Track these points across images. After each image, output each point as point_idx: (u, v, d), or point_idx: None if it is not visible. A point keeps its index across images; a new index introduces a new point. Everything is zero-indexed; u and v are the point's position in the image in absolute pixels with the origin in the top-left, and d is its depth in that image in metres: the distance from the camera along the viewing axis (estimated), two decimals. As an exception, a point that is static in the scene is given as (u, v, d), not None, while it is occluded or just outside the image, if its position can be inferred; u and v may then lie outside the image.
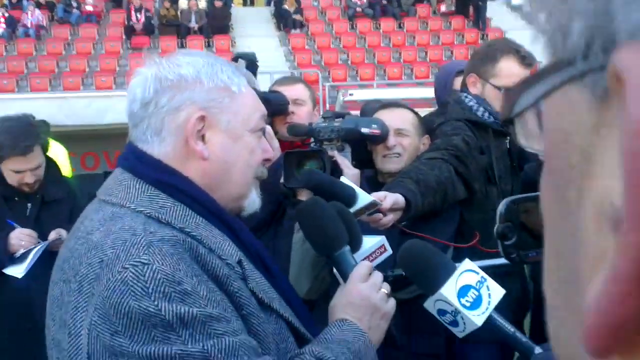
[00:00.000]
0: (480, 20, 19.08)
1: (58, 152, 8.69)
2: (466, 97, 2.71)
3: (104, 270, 1.13)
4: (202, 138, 1.29)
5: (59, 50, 16.83)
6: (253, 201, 1.41)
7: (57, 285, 1.25)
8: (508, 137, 2.83)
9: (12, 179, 3.15)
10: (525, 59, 2.66)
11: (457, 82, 2.98)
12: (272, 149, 1.74)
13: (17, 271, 3.03)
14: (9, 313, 3.12)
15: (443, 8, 20.48)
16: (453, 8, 20.21)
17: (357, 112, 3.68)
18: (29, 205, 3.22)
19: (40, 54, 16.61)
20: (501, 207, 1.51)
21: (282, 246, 2.25)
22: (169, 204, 1.24)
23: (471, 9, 19.66)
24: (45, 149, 3.24)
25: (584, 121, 0.29)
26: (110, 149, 13.63)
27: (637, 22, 0.26)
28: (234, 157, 1.33)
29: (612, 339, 0.27)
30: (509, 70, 2.64)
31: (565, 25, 0.31)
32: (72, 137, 8.75)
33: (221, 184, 1.33)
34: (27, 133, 3.10)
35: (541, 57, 0.36)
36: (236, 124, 1.32)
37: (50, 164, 3.35)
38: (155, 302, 1.08)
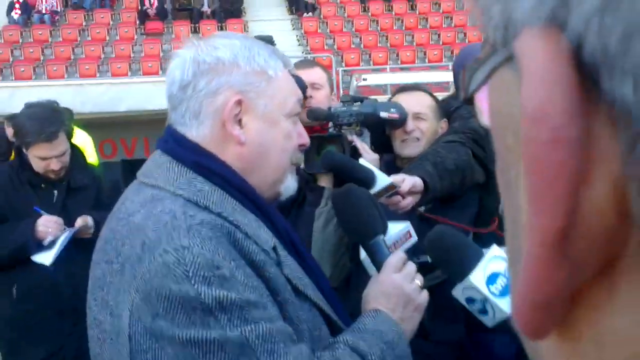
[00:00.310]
0: None
1: (84, 140, 8.82)
2: None
3: (146, 253, 1.14)
4: (239, 122, 1.29)
5: (74, 37, 16.89)
6: (289, 186, 1.40)
7: (98, 266, 1.26)
8: None
9: (38, 165, 3.16)
10: None
11: None
12: None
13: (45, 259, 3.06)
14: (36, 298, 3.16)
15: (456, -11, 20.27)
16: (466, -11, 19.97)
17: (373, 97, 3.70)
18: (55, 192, 3.25)
19: (55, 41, 16.69)
20: None
21: (303, 233, 2.27)
22: (206, 188, 1.26)
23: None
24: (69, 135, 3.24)
25: (516, 103, 0.28)
26: (127, 136, 13.71)
27: (529, 8, 0.26)
28: (270, 141, 1.32)
29: (538, 320, 0.28)
30: None
31: (489, 8, 0.30)
32: (89, 125, 8.81)
33: (257, 168, 1.33)
34: (52, 119, 3.10)
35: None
36: (272, 109, 1.31)
37: (76, 151, 3.37)
38: (195, 286, 1.09)
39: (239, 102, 1.28)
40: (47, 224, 3.12)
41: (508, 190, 0.34)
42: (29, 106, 3.23)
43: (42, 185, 3.26)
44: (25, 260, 3.11)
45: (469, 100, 0.36)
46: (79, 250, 3.09)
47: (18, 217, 3.18)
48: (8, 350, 3.31)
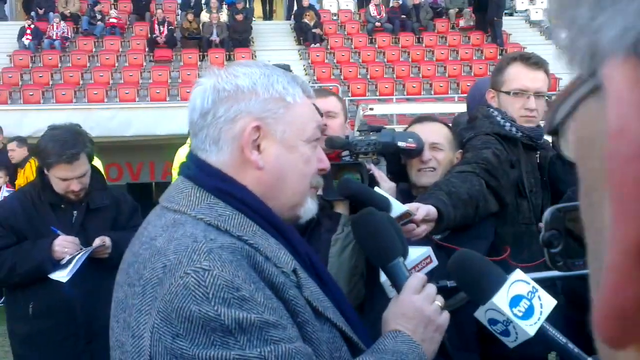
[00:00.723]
0: (496, 36, 19.09)
1: (95, 164, 8.88)
2: (493, 111, 2.76)
3: (167, 275, 1.17)
4: (258, 148, 1.32)
5: (84, 62, 17.10)
6: (309, 209, 1.43)
7: (121, 288, 1.29)
8: (538, 152, 2.87)
9: (58, 186, 3.21)
10: (529, 59, 2.74)
11: None
12: None
13: (61, 275, 3.10)
14: (51, 316, 3.20)
15: (462, 23, 20.50)
16: (472, 23, 20.23)
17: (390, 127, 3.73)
18: (75, 212, 3.29)
19: (65, 66, 16.88)
20: (547, 214, 1.51)
21: (319, 258, 2.28)
22: (227, 213, 1.28)
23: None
24: (90, 157, 3.29)
25: (601, 129, 0.30)
26: (133, 160, 13.79)
27: (613, 38, 0.29)
28: (288, 166, 1.35)
29: (615, 329, 0.29)
30: (516, 74, 2.72)
31: (575, 42, 0.33)
32: (96, 149, 8.89)
33: (276, 193, 1.35)
34: (74, 141, 3.15)
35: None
36: (291, 134, 1.34)
37: (95, 173, 3.42)
38: (215, 307, 1.11)
39: (257, 128, 1.31)
40: (64, 244, 3.16)
41: (590, 212, 0.35)
42: (52, 128, 3.29)
43: (62, 206, 3.30)
44: (42, 278, 3.15)
45: (554, 132, 0.39)
46: (95, 269, 3.16)
47: (37, 237, 3.23)
48: None
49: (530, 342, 1.41)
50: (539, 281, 1.79)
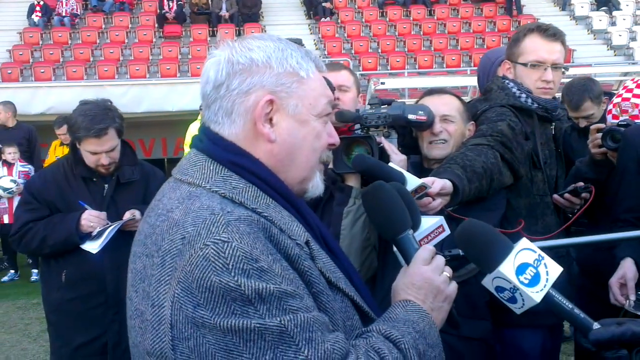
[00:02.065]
0: (515, 7, 18.84)
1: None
2: (508, 83, 2.74)
3: (186, 247, 1.18)
4: (270, 121, 1.33)
5: (94, 39, 17.10)
6: (317, 185, 1.44)
7: (139, 259, 1.31)
8: (553, 124, 2.85)
9: (89, 160, 3.29)
10: (547, 31, 2.71)
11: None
12: None
13: (92, 247, 3.20)
14: (82, 285, 3.29)
15: (474, -5, 20.25)
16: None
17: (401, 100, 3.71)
18: (106, 186, 3.37)
19: (75, 43, 16.89)
20: None
21: (331, 231, 2.29)
22: (241, 185, 1.30)
23: (503, -4, 19.43)
24: (120, 132, 3.32)
25: None
26: (145, 137, 13.84)
27: None
28: (299, 140, 1.36)
29: None
30: (533, 45, 2.70)
31: None
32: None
33: (287, 166, 1.37)
34: (103, 116, 3.20)
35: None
36: (303, 109, 1.35)
37: (127, 148, 3.48)
38: (235, 278, 1.13)
39: (271, 102, 1.32)
40: (90, 218, 3.24)
41: None
42: (83, 103, 3.34)
43: (94, 180, 3.38)
44: (75, 249, 3.24)
45: None
46: (126, 242, 3.16)
47: (69, 210, 3.32)
48: (55, 333, 3.46)
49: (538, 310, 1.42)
50: (551, 249, 1.79)
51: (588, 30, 18.68)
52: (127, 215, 3.29)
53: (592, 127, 2.88)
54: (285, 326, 1.14)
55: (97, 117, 3.19)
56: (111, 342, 3.30)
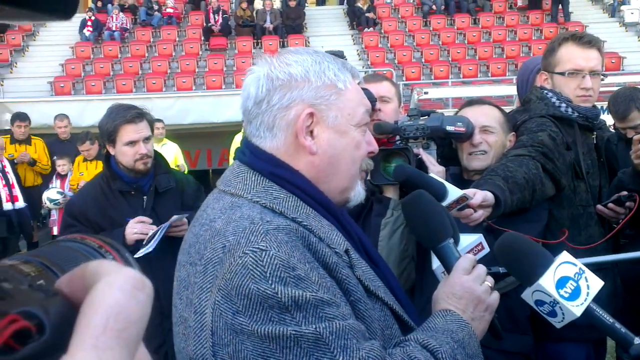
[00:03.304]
0: (563, 14, 18.51)
1: (173, 150, 9.10)
2: (547, 93, 2.71)
3: (227, 255, 1.22)
4: (311, 133, 1.36)
5: (142, 53, 17.54)
6: (359, 193, 1.46)
7: (183, 268, 1.36)
8: (594, 133, 2.80)
9: (127, 156, 3.29)
10: (582, 38, 2.67)
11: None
12: None
13: (147, 250, 3.20)
14: None
15: (520, 2, 19.98)
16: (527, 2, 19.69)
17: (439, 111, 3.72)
18: (145, 197, 3.39)
19: (124, 56, 17.35)
20: None
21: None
22: (282, 195, 1.33)
23: (550, 2, 19.10)
24: (151, 125, 3.41)
25: None
26: (191, 148, 14.06)
27: None
28: (340, 151, 1.39)
29: None
30: (568, 54, 2.67)
31: None
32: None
33: (328, 177, 1.40)
34: (133, 107, 3.35)
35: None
36: (342, 120, 1.38)
37: (158, 157, 3.53)
38: (272, 286, 1.16)
39: (311, 115, 1.35)
40: (132, 226, 3.26)
41: None
42: (114, 104, 3.49)
43: (132, 192, 3.40)
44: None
45: None
46: (174, 253, 3.20)
47: (113, 226, 3.32)
48: None
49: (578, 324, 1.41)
50: (595, 266, 1.76)
51: (638, 37, 18.20)
52: (175, 217, 3.28)
53: (635, 137, 2.83)
54: (321, 333, 1.16)
55: (130, 107, 3.33)
56: (171, 351, 3.36)
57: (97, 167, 7.89)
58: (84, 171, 7.93)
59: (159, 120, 9.34)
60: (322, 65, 1.38)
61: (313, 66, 1.37)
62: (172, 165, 8.74)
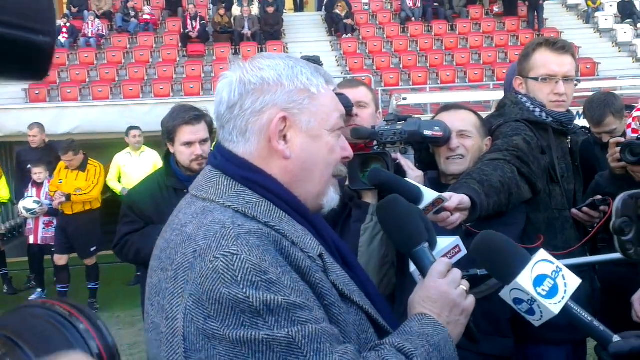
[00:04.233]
0: (538, 20, 18.75)
1: (152, 158, 9.01)
2: (522, 98, 2.73)
3: (197, 260, 1.21)
4: (284, 138, 1.35)
5: (119, 59, 17.39)
6: (332, 199, 1.45)
7: (155, 273, 1.34)
8: (569, 137, 2.82)
9: (184, 156, 3.46)
10: (555, 44, 2.70)
11: None
12: None
13: None
14: None
15: (496, 9, 20.19)
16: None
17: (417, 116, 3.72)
18: None
19: (101, 63, 17.19)
20: (617, 201, 1.49)
21: (349, 248, 2.28)
22: (254, 200, 1.32)
23: (525, 9, 19.34)
24: (210, 128, 3.53)
25: None
26: (169, 154, 14.01)
27: None
28: (313, 155, 1.38)
29: None
30: (543, 59, 2.69)
31: None
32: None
33: (302, 181, 1.39)
34: (194, 109, 3.52)
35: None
36: (316, 124, 1.37)
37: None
38: (244, 290, 1.15)
39: (284, 119, 1.34)
40: None
41: None
42: (176, 105, 3.69)
43: (185, 190, 3.43)
44: None
45: None
46: None
47: (163, 221, 3.34)
48: None
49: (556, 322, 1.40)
50: (575, 267, 1.76)
51: (613, 43, 18.50)
52: None
53: (611, 141, 2.86)
54: (293, 337, 1.15)
55: (190, 109, 3.49)
56: None
57: (78, 178, 7.79)
58: (63, 179, 7.79)
59: (136, 128, 9.25)
60: (295, 70, 1.37)
61: (286, 70, 1.36)
62: None
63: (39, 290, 8.70)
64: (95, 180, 7.89)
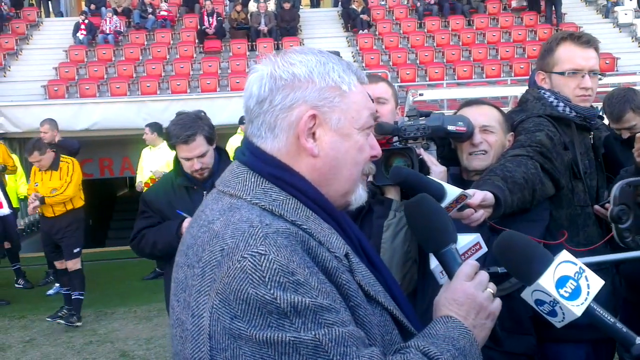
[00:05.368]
0: (556, 15, 18.57)
1: (165, 154, 8.99)
2: (544, 93, 2.70)
3: (225, 259, 1.20)
4: (313, 135, 1.34)
5: (136, 56, 17.50)
6: (360, 196, 1.44)
7: (181, 269, 1.33)
8: (592, 132, 2.79)
9: (185, 166, 3.66)
10: (580, 38, 2.66)
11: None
12: None
13: None
14: None
15: (514, 4, 20.02)
16: (524, 3, 19.72)
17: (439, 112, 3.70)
18: (205, 193, 3.58)
19: (118, 59, 17.31)
20: (615, 189, 1.46)
21: (372, 244, 2.27)
22: (281, 197, 1.31)
23: (543, 4, 19.16)
24: (210, 140, 3.65)
25: None
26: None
27: None
28: (342, 154, 1.36)
29: None
30: (568, 54, 2.65)
31: None
32: (150, 139, 9.12)
33: (330, 180, 1.37)
34: (191, 125, 3.57)
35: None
36: (345, 122, 1.35)
37: (222, 155, 3.84)
38: (271, 291, 1.14)
39: (313, 116, 1.32)
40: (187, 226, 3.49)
41: None
42: (178, 114, 3.76)
43: (194, 187, 3.73)
44: None
45: None
46: None
47: (175, 217, 3.65)
48: None
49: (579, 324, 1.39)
50: (596, 265, 1.74)
51: (632, 38, 18.28)
52: None
53: (638, 135, 2.82)
54: (320, 340, 1.14)
55: (185, 126, 3.56)
56: None
57: (52, 178, 7.36)
58: (39, 182, 7.41)
59: (149, 125, 9.24)
60: (326, 66, 1.35)
61: (317, 67, 1.34)
62: (166, 170, 8.70)
63: (57, 285, 8.77)
64: (68, 178, 7.37)
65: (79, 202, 7.60)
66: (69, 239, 7.43)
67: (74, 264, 7.39)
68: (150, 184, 8.70)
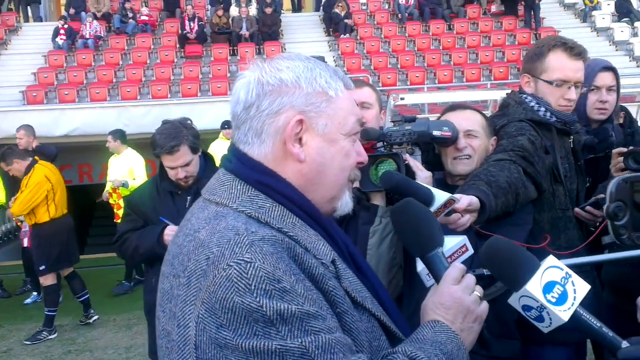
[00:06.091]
0: (535, 19, 18.76)
1: (134, 160, 8.78)
2: (526, 97, 2.72)
3: (210, 267, 1.19)
4: (300, 141, 1.33)
5: (117, 60, 17.36)
6: (346, 203, 1.44)
7: (167, 279, 1.32)
8: (571, 137, 2.82)
9: (170, 174, 3.69)
10: (573, 49, 2.67)
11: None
12: None
13: None
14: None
15: (493, 8, 20.21)
16: (503, 8, 19.91)
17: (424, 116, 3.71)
18: (188, 198, 3.68)
19: (98, 64, 17.15)
20: (612, 185, 1.46)
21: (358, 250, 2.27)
22: (267, 205, 1.30)
23: (522, 8, 19.36)
24: (194, 149, 3.67)
25: None
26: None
27: None
28: (329, 160, 1.36)
29: None
30: (558, 63, 2.66)
31: None
32: (130, 145, 9.04)
33: (316, 185, 1.37)
34: (175, 134, 3.59)
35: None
36: (332, 128, 1.35)
37: (209, 161, 3.87)
38: (257, 299, 1.13)
39: (300, 122, 1.32)
40: (169, 233, 3.56)
41: None
42: (164, 122, 3.78)
43: (179, 193, 3.77)
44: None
45: None
46: None
47: (160, 222, 3.69)
48: (152, 333, 3.74)
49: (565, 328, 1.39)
50: (577, 267, 1.75)
51: (610, 42, 18.54)
52: None
53: (614, 151, 2.85)
54: (307, 347, 1.13)
55: (169, 135, 3.57)
56: None
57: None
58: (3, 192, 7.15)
59: (112, 133, 9.02)
60: (314, 72, 1.35)
61: (305, 72, 1.34)
62: (129, 178, 8.54)
63: (35, 293, 8.65)
64: (23, 187, 6.87)
65: (43, 217, 7.04)
66: (33, 256, 7.18)
67: (44, 280, 7.12)
68: (113, 194, 8.65)
